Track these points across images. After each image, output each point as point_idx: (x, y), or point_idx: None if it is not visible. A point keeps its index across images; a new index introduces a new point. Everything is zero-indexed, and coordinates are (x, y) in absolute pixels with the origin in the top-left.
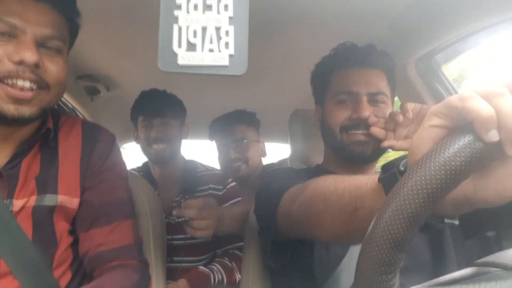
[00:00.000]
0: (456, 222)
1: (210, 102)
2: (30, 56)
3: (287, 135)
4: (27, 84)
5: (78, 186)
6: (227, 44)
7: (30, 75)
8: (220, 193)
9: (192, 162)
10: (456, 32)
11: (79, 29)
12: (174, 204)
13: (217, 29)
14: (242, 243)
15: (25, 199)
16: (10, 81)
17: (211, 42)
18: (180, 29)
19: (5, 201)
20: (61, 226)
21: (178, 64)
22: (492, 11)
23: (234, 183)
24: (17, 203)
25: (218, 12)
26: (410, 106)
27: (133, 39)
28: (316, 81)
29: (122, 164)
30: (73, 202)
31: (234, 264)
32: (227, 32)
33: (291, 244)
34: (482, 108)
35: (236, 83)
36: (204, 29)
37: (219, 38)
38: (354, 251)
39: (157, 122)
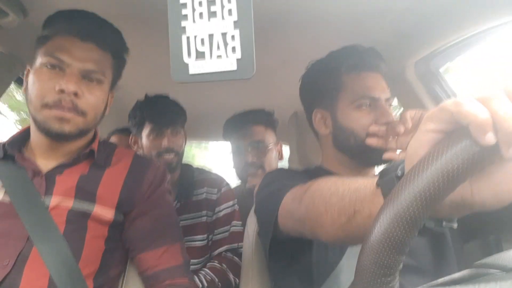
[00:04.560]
0: (455, 225)
1: (209, 104)
2: (70, 86)
3: (286, 136)
4: (66, 110)
5: (116, 201)
6: (233, 48)
7: (69, 104)
8: (215, 196)
9: (189, 166)
10: (455, 35)
11: (125, 63)
12: None
13: (223, 34)
14: (234, 245)
15: (61, 198)
16: (55, 107)
17: (218, 49)
18: (188, 39)
19: (42, 197)
20: (94, 232)
21: (189, 74)
22: (491, 14)
23: (228, 187)
24: (53, 200)
25: (223, 18)
26: (410, 114)
27: (133, 42)
28: (316, 83)
29: (170, 192)
30: (108, 213)
31: (224, 265)
32: (233, 37)
33: (291, 244)
34: (478, 112)
35: (235, 85)
36: (210, 36)
37: (225, 43)
38: (353, 251)
39: (169, 131)
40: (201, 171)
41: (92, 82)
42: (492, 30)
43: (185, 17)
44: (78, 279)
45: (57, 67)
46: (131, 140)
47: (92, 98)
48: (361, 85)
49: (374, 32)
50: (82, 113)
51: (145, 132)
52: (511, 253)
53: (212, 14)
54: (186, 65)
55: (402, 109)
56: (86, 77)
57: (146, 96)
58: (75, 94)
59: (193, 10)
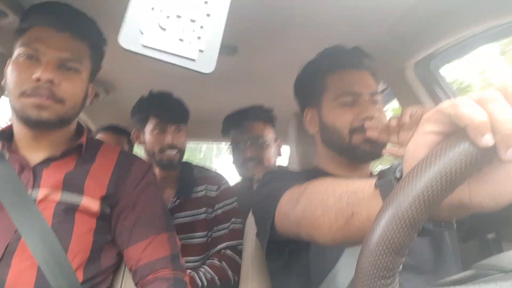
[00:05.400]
0: (453, 227)
1: (209, 103)
2: (45, 75)
3: (287, 137)
4: (44, 98)
5: (103, 194)
6: (199, 38)
7: (45, 91)
8: (214, 194)
9: (188, 164)
10: (455, 36)
11: (103, 55)
12: (169, 205)
13: (192, 21)
14: (234, 242)
15: (48, 190)
16: (32, 96)
17: (183, 31)
18: (153, 9)
19: (29, 190)
20: (81, 224)
21: (141, 44)
22: (490, 15)
23: (228, 185)
24: (40, 193)
25: (197, 6)
26: (412, 110)
27: None
28: (305, 85)
29: (156, 185)
30: (95, 205)
31: (224, 263)
32: (201, 27)
33: (289, 245)
34: (475, 114)
35: (235, 84)
36: (178, 17)
37: (192, 30)
38: (350, 251)
39: (172, 128)
40: (201, 168)
41: (69, 71)
42: (492, 31)
43: None
44: (67, 270)
45: (33, 57)
46: (134, 135)
47: (69, 86)
48: (342, 82)
49: (374, 33)
50: (60, 101)
51: (148, 127)
52: (510, 254)
53: None
54: (141, 34)
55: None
56: (62, 65)
57: (151, 92)
58: (51, 82)
59: None
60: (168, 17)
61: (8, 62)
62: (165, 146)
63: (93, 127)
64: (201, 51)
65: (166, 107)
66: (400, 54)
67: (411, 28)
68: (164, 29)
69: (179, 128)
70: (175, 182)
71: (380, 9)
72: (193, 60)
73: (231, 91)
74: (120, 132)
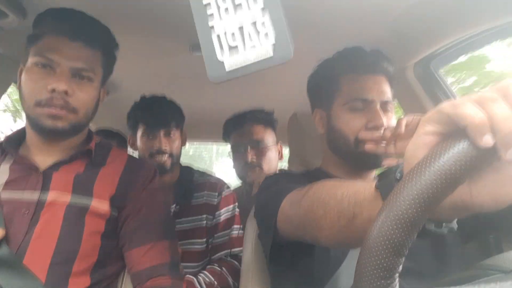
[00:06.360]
0: (455, 227)
1: (209, 104)
2: (60, 85)
3: (287, 137)
4: (58, 108)
5: (113, 193)
6: (266, 35)
7: (60, 101)
8: (215, 201)
9: (188, 168)
10: (455, 36)
11: (115, 59)
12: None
13: (253, 24)
14: (235, 249)
15: (58, 193)
16: (47, 106)
17: (251, 39)
18: (218, 37)
19: (40, 193)
20: (91, 227)
21: (226, 71)
22: (490, 15)
23: (229, 191)
24: (50, 195)
25: (249, 8)
26: (408, 119)
27: (132, 42)
28: (318, 84)
29: (162, 191)
30: (104, 206)
31: (224, 269)
32: (263, 24)
33: (291, 247)
34: (474, 114)
35: (235, 85)
36: (241, 28)
37: (257, 32)
38: (354, 254)
39: (161, 133)
40: (201, 173)
41: (83, 80)
42: (492, 31)
43: (211, 16)
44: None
45: (47, 66)
46: (129, 140)
47: (82, 96)
48: (356, 87)
49: (373, 33)
50: (74, 110)
51: (139, 133)
52: (511, 254)
53: (237, 7)
54: (222, 63)
55: (402, 110)
56: (76, 75)
57: (142, 97)
58: (66, 93)
59: (218, 7)
60: (233, 34)
61: (20, 69)
62: (154, 152)
63: (93, 128)
64: (274, 45)
65: (153, 112)
66: (399, 54)
67: (411, 28)
68: (235, 47)
69: (169, 132)
70: (174, 187)
71: (380, 8)
72: (271, 57)
73: (232, 91)
74: (107, 137)
